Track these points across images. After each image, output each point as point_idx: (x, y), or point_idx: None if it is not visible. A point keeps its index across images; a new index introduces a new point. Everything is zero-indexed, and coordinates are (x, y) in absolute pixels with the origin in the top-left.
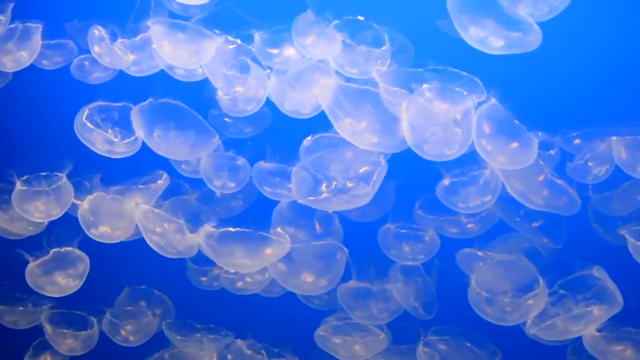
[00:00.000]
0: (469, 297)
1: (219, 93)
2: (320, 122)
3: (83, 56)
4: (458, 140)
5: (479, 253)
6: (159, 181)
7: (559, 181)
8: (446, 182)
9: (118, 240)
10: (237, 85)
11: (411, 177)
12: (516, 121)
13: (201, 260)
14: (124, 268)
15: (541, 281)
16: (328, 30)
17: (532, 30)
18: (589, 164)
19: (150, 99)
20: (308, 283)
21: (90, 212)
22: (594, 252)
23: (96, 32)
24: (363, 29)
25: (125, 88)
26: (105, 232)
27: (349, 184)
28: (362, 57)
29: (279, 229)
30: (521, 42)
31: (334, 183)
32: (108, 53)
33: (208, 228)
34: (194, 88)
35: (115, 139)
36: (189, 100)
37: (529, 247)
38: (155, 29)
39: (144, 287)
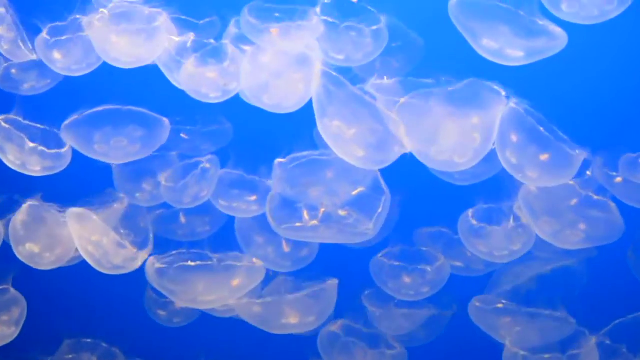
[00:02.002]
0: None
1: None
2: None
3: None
4: (474, 147)
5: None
6: (115, 204)
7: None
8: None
9: (47, 267)
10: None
11: (415, 190)
12: (543, 130)
13: None
14: (68, 314)
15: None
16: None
17: (555, 33)
18: None
19: (74, 115)
20: (293, 325)
21: (24, 223)
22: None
23: (1, 9)
24: (354, 13)
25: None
26: (31, 251)
27: (342, 213)
28: (350, 42)
29: (254, 259)
30: (545, 48)
31: (321, 210)
32: (9, 40)
33: (155, 262)
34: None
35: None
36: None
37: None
38: (95, 26)
39: (89, 340)
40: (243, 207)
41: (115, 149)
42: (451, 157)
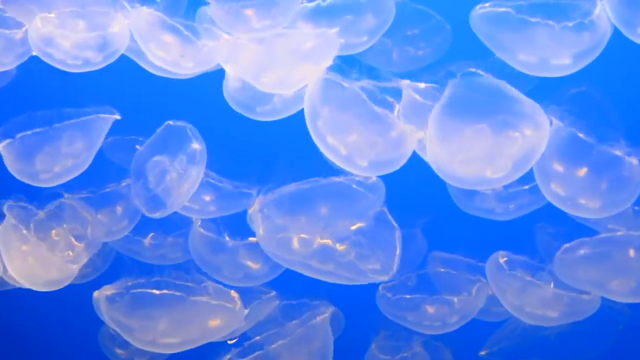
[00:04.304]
0: None
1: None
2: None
3: None
4: (508, 162)
5: None
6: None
7: None
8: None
9: None
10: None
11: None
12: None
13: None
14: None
15: None
16: None
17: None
18: None
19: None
20: None
21: None
22: None
23: None
24: None
25: None
26: None
27: (340, 247)
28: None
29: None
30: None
31: (317, 240)
32: None
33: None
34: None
35: None
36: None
37: None
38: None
39: None
40: (195, 208)
41: (62, 173)
42: (482, 171)
